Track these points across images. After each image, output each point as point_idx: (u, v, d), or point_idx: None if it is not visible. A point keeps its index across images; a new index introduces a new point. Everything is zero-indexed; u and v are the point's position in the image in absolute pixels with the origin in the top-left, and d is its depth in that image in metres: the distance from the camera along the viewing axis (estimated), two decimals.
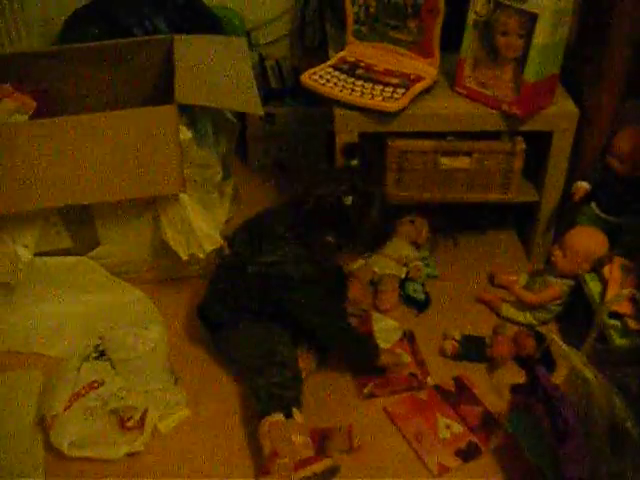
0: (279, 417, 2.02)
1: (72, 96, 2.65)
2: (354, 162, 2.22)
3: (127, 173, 2.25)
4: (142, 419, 2.10)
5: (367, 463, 2.06)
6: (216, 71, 2.50)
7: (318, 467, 1.94)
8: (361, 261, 2.59)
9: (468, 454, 2.08)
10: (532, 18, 2.16)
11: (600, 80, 2.40)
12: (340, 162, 2.42)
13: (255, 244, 2.16)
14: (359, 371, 2.31)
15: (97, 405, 2.06)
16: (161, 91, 2.61)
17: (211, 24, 2.93)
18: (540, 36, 2.16)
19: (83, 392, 2.08)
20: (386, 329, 2.43)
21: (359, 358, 2.31)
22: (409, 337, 2.42)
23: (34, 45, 2.95)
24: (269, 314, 2.22)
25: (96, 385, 2.10)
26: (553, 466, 1.84)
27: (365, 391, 2.24)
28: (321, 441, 2.07)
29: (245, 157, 3.22)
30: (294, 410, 2.05)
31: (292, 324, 2.22)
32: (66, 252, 2.44)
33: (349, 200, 2.03)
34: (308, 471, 1.93)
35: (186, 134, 2.29)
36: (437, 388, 2.26)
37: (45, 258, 2.39)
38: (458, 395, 2.24)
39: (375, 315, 2.48)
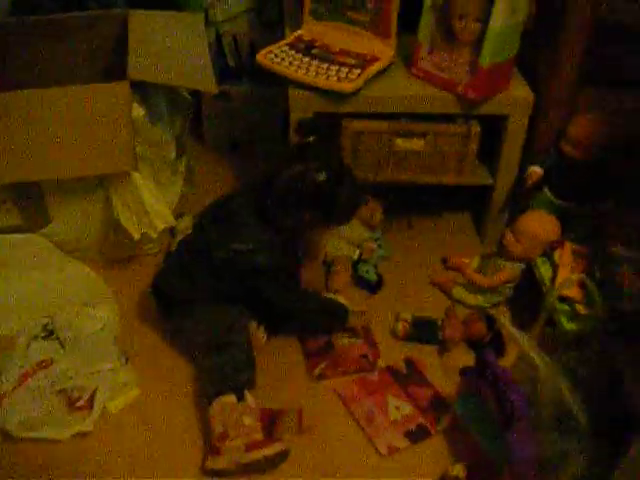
0: (231, 399, 2.02)
1: (22, 70, 2.59)
2: (310, 138, 2.21)
3: (78, 150, 2.22)
4: (91, 399, 2.09)
5: (317, 444, 2.06)
6: (171, 48, 2.47)
7: (269, 450, 1.95)
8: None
9: (417, 435, 2.09)
10: (489, 2, 2.15)
11: (556, 66, 2.41)
12: (295, 139, 2.41)
13: (222, 228, 2.15)
14: (327, 332, 2.34)
15: (45, 385, 2.05)
16: (115, 67, 2.56)
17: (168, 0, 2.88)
18: (497, 20, 2.16)
19: (31, 372, 2.06)
20: None
21: (332, 323, 2.34)
22: None
23: None
24: (226, 294, 2.21)
25: (45, 365, 2.08)
26: (500, 448, 1.86)
27: (316, 372, 2.24)
28: (271, 422, 2.07)
29: (200, 135, 3.20)
30: (246, 393, 2.05)
31: (250, 304, 2.23)
32: (16, 229, 2.40)
33: (322, 176, 2.03)
34: (259, 454, 1.93)
35: (139, 111, 2.25)
36: (388, 369, 2.27)
37: None
38: (409, 376, 2.25)
39: (327, 296, 2.48)
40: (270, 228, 2.12)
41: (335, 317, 2.32)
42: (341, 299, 2.42)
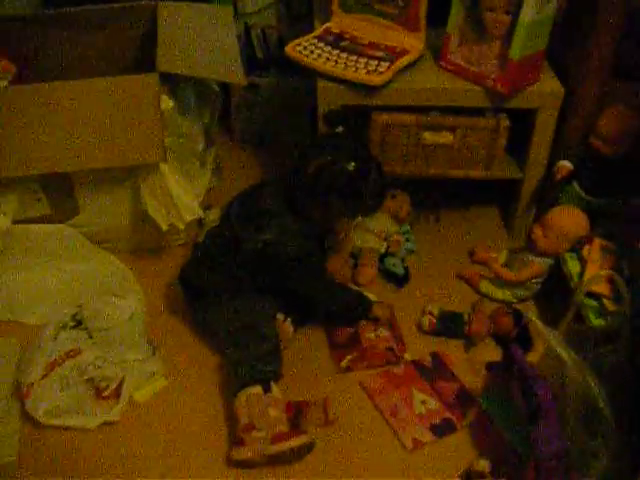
0: (257, 390, 2.03)
1: (53, 62, 2.62)
2: (339, 129, 2.22)
3: (107, 141, 2.24)
4: (118, 389, 2.10)
5: (342, 437, 2.07)
6: (200, 40, 2.47)
7: (294, 442, 1.95)
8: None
9: (443, 430, 2.09)
10: None
11: (586, 59, 2.39)
12: (323, 130, 2.42)
13: (250, 219, 2.16)
14: (350, 323, 2.35)
15: (73, 374, 2.06)
16: (144, 59, 2.58)
17: None
18: (527, 13, 2.15)
19: (60, 361, 2.08)
20: None
21: (355, 313, 2.34)
22: None
23: (15, 8, 2.90)
24: (255, 285, 2.22)
25: (73, 354, 2.09)
26: (526, 444, 1.86)
27: (342, 364, 2.25)
28: (296, 414, 2.07)
29: (228, 127, 3.20)
30: (272, 384, 2.06)
31: (278, 295, 2.24)
32: (46, 219, 2.42)
33: (352, 166, 2.04)
34: (284, 445, 1.94)
35: (168, 103, 2.26)
36: (414, 363, 2.27)
37: (24, 225, 2.37)
38: (434, 371, 2.25)
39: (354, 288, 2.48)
40: (298, 218, 2.13)
41: (359, 307, 2.33)
42: (368, 294, 2.43)
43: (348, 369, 2.25)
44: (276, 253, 2.10)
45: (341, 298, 2.33)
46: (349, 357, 2.26)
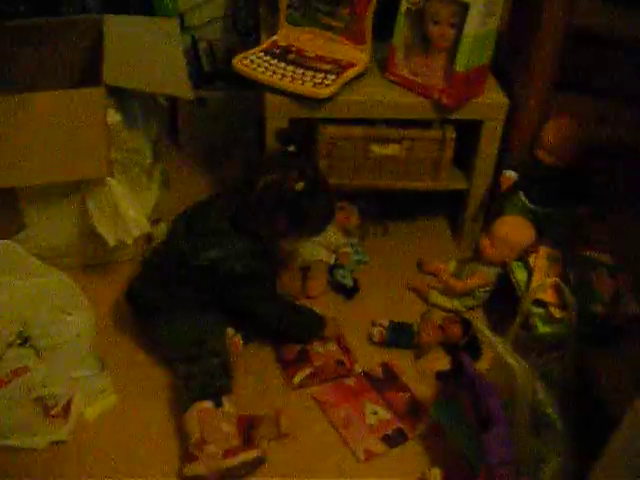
0: (208, 405, 2.01)
1: None
2: (291, 148, 2.22)
3: (53, 156, 2.21)
4: (67, 407, 2.07)
5: (294, 450, 2.06)
6: (146, 53, 2.46)
7: (246, 456, 1.94)
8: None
9: (394, 440, 2.09)
10: (464, 8, 2.17)
11: (530, 71, 2.43)
12: (274, 147, 2.41)
13: (197, 236, 2.15)
14: (301, 342, 2.33)
15: (21, 393, 2.02)
16: (90, 72, 2.55)
17: (143, 4, 2.87)
18: (471, 26, 2.18)
19: (6, 380, 2.03)
20: None
21: (307, 332, 2.33)
22: None
23: None
24: (203, 302, 2.20)
25: (20, 372, 2.05)
26: (476, 452, 1.87)
27: (295, 381, 2.23)
28: (248, 428, 2.06)
29: (176, 141, 3.19)
30: (224, 399, 2.04)
31: (226, 312, 2.23)
32: None
33: (300, 186, 2.04)
34: (236, 460, 1.93)
35: (114, 117, 2.25)
36: (365, 374, 2.27)
37: None
38: (385, 381, 2.25)
39: (303, 301, 2.48)
40: (246, 236, 2.12)
41: (311, 328, 2.33)
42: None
43: (301, 386, 2.23)
44: (223, 271, 2.10)
45: (294, 318, 2.31)
46: (301, 374, 2.25)
